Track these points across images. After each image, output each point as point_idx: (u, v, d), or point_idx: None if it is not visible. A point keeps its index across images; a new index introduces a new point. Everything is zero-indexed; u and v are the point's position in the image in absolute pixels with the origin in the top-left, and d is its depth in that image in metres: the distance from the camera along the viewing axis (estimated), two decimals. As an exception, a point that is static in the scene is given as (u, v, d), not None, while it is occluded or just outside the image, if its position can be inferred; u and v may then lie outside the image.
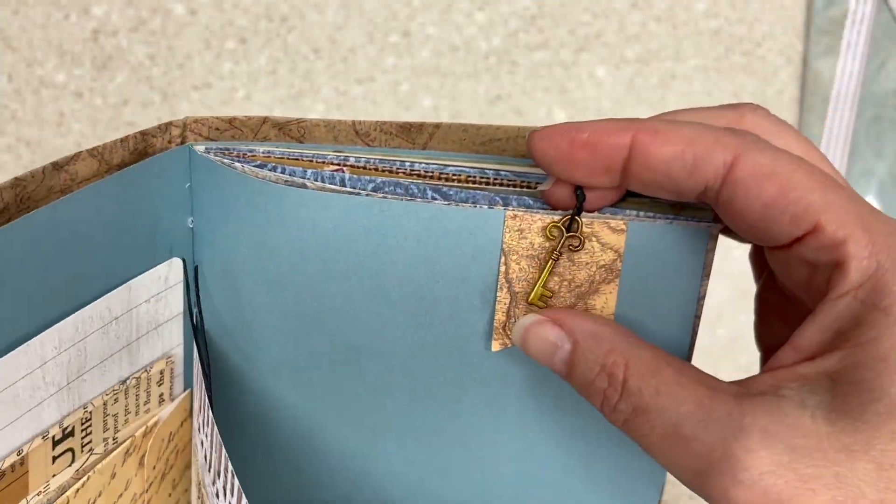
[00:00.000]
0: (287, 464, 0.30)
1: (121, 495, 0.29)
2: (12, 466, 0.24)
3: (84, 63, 0.48)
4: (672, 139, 0.20)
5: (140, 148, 0.26)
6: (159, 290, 0.27)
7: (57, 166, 0.23)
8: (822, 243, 0.19)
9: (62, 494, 0.26)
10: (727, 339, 0.52)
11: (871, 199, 0.48)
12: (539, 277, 0.23)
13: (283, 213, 0.25)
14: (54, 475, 0.26)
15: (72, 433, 0.26)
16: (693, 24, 0.49)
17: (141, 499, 0.30)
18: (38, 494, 0.26)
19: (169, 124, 0.26)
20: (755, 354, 0.26)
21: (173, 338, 0.29)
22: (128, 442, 0.28)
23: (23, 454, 0.24)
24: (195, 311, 0.28)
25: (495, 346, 0.24)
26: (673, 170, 0.20)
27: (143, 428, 0.29)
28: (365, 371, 0.26)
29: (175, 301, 0.28)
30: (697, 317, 0.24)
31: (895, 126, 0.49)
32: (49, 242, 0.23)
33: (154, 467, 0.30)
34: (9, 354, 0.22)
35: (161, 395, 0.29)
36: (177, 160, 0.26)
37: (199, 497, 0.30)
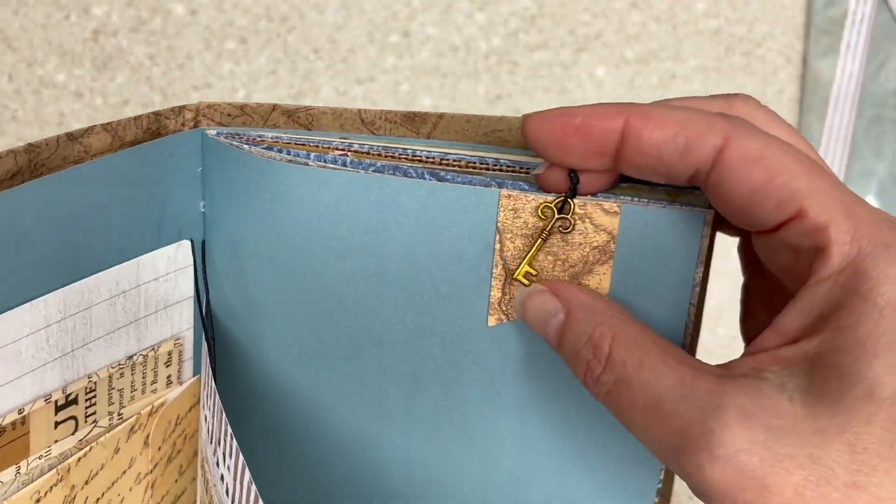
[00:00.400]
0: (291, 446, 0.30)
1: (124, 472, 0.29)
2: (13, 424, 0.25)
3: (84, 63, 0.48)
4: (664, 123, 0.20)
5: (153, 128, 0.26)
6: (168, 270, 0.28)
7: (72, 137, 0.24)
8: (805, 228, 0.19)
9: (64, 461, 0.27)
10: (728, 339, 0.52)
11: (871, 199, 0.48)
12: (527, 255, 0.24)
13: (288, 191, 0.25)
14: (56, 441, 0.26)
15: (75, 401, 0.26)
16: (693, 24, 0.49)
17: (146, 479, 0.30)
18: (38, 458, 0.26)
19: (182, 108, 0.27)
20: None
21: (182, 321, 0.29)
22: (133, 419, 0.28)
23: (24, 413, 0.25)
24: (201, 287, 0.29)
25: (491, 321, 0.25)
26: (664, 153, 0.20)
27: (150, 407, 0.29)
28: (366, 355, 0.27)
29: (185, 284, 0.28)
30: (693, 304, 0.24)
31: (895, 126, 0.49)
32: (59, 209, 0.23)
33: (160, 448, 0.30)
34: (13, 310, 0.23)
35: (169, 376, 0.29)
36: (189, 143, 0.26)
37: (203, 479, 0.31)
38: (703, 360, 0.21)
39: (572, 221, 0.23)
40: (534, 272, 0.24)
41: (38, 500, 0.26)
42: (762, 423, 0.18)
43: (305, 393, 0.29)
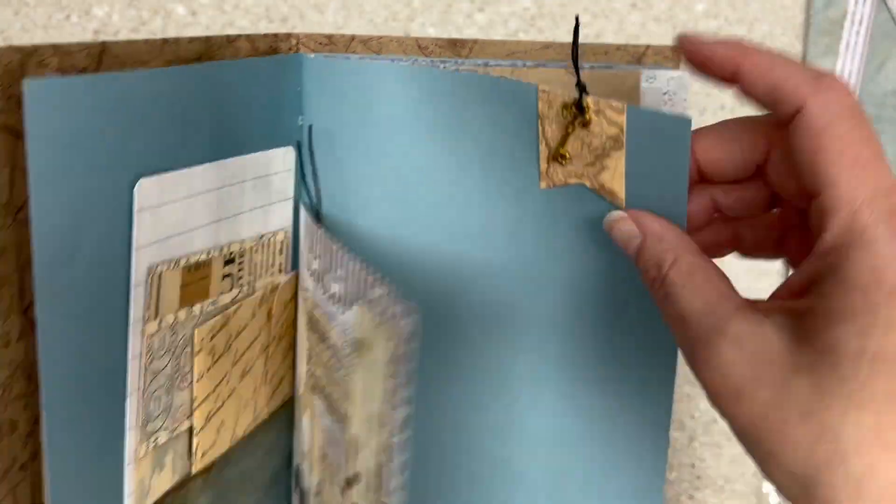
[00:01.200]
0: None
1: (256, 338, 0.35)
2: (200, 264, 0.31)
3: (85, 63, 0.49)
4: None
5: (274, 46, 0.34)
6: (282, 169, 0.34)
7: (229, 39, 0.32)
8: (819, 208, 0.24)
9: (223, 312, 0.32)
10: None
11: (870, 200, 0.49)
12: (561, 140, 0.31)
13: (379, 87, 0.32)
14: (221, 293, 0.32)
15: (232, 261, 0.32)
16: (693, 25, 0.49)
17: (265, 351, 0.36)
18: (211, 304, 0.32)
19: (289, 35, 0.34)
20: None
21: (287, 217, 0.35)
22: (261, 292, 0.34)
23: (210, 256, 0.31)
24: (302, 188, 0.35)
25: (542, 185, 0.32)
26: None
27: (271, 285, 0.35)
28: (444, 214, 0.34)
29: (290, 185, 0.35)
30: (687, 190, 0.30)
31: (894, 125, 0.49)
32: (220, 91, 0.30)
33: (275, 325, 0.36)
34: (190, 169, 0.29)
35: (280, 263, 0.35)
36: (294, 64, 0.33)
37: (307, 356, 0.36)
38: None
39: (590, 118, 0.30)
40: (566, 154, 0.30)
41: (212, 337, 0.32)
42: (750, 350, 0.24)
43: (393, 256, 0.35)
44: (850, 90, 0.25)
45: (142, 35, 0.49)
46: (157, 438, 0.31)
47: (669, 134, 0.29)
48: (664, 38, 0.50)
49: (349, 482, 0.35)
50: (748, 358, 0.24)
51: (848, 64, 0.49)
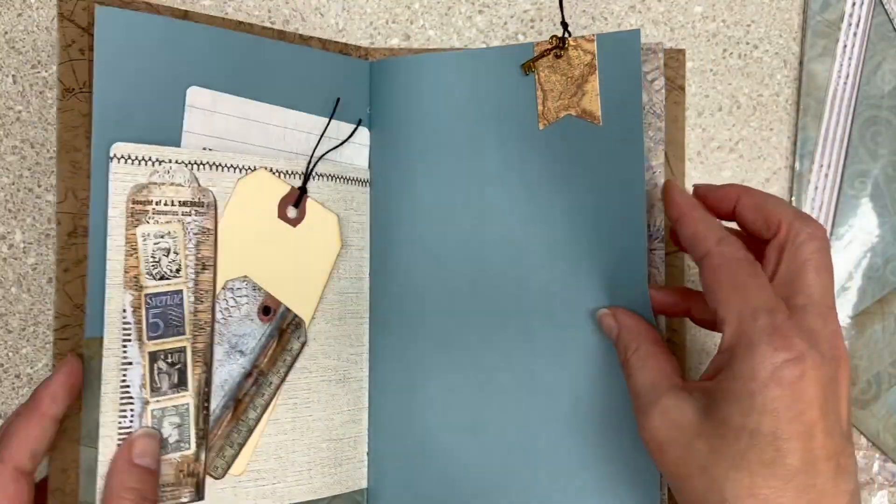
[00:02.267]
0: (430, 289, 0.43)
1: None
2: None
3: (88, 65, 0.49)
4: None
5: (344, 51, 0.45)
6: (360, 142, 0.45)
7: (303, 38, 0.43)
8: (720, 321, 0.33)
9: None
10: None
11: (865, 201, 0.49)
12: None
13: (428, 76, 0.43)
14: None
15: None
16: (690, 27, 0.50)
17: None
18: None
19: (358, 47, 0.45)
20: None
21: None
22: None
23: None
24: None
25: (541, 125, 0.41)
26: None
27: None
28: (486, 182, 0.42)
29: (365, 158, 0.45)
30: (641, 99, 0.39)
31: (890, 128, 0.49)
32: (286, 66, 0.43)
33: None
34: (249, 100, 0.41)
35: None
36: (364, 68, 0.44)
37: None
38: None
39: (567, 51, 0.40)
40: (532, 66, 0.41)
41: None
42: (671, 418, 0.32)
43: (442, 206, 0.43)
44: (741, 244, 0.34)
45: (74, 51, 0.49)
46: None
47: (624, 47, 0.39)
48: (662, 40, 0.50)
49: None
50: (668, 424, 0.32)
51: (845, 66, 0.49)
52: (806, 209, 0.49)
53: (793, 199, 0.49)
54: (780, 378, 0.29)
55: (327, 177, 0.43)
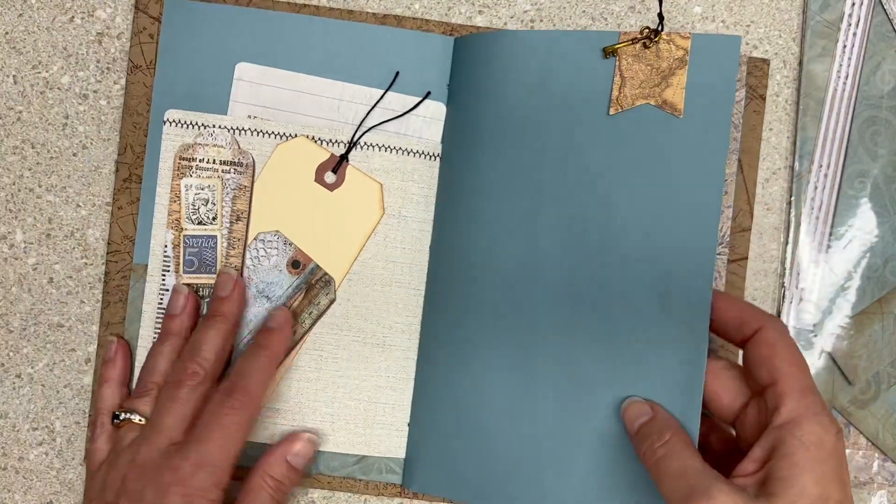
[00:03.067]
0: (485, 270, 0.43)
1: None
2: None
3: (89, 66, 0.49)
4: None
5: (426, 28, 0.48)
6: (436, 117, 0.47)
7: (398, 18, 0.47)
8: (773, 393, 0.37)
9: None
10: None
11: (865, 201, 0.49)
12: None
13: (506, 53, 0.44)
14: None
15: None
16: (690, 27, 0.50)
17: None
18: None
19: (441, 22, 0.47)
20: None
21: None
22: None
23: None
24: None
25: (612, 111, 0.41)
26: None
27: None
28: (547, 156, 0.43)
29: (439, 131, 0.47)
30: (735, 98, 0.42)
31: (889, 128, 0.49)
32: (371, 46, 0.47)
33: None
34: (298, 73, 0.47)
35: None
36: (447, 44, 0.47)
37: None
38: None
39: (657, 43, 0.42)
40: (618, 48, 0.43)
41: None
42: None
43: (502, 185, 0.43)
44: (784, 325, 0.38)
45: (144, 36, 0.50)
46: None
47: (722, 50, 0.41)
48: (662, 40, 0.50)
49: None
50: None
51: (844, 66, 0.49)
52: (805, 209, 0.49)
53: (792, 198, 0.49)
54: (836, 448, 0.34)
55: (386, 147, 0.46)
